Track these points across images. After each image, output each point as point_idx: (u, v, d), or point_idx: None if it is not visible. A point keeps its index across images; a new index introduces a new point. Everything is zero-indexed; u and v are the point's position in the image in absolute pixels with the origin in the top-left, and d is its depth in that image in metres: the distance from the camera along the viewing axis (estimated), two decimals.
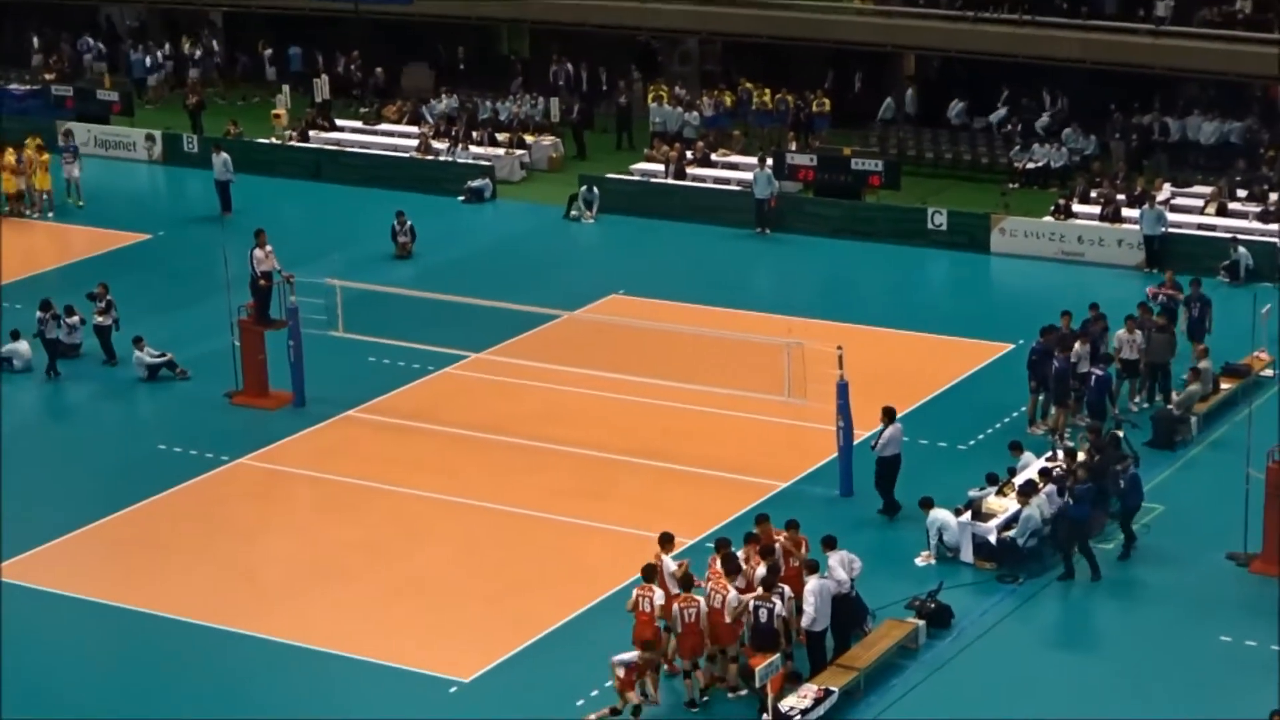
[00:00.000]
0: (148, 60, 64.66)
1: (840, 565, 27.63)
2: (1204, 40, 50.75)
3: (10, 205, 51.76)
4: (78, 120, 58.02)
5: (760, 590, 26.59)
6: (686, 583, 26.94)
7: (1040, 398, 35.46)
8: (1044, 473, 31.18)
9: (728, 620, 26.57)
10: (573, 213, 50.38)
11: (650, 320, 40.47)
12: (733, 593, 26.63)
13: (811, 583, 26.99)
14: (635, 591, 26.96)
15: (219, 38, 66.90)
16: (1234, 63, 50.04)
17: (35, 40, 68.17)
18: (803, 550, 28.02)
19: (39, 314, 40.11)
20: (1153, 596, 29.75)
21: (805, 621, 27.02)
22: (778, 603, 26.57)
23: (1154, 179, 49.43)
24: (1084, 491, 29.95)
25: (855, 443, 32.93)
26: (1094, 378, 34.87)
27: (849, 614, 27.70)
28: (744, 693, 26.72)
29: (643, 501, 33.35)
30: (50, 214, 51.42)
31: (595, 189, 50.58)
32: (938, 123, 55.76)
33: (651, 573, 27.11)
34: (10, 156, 51.58)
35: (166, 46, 65.44)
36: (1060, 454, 32.12)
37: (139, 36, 67.21)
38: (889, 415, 32.41)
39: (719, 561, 27.36)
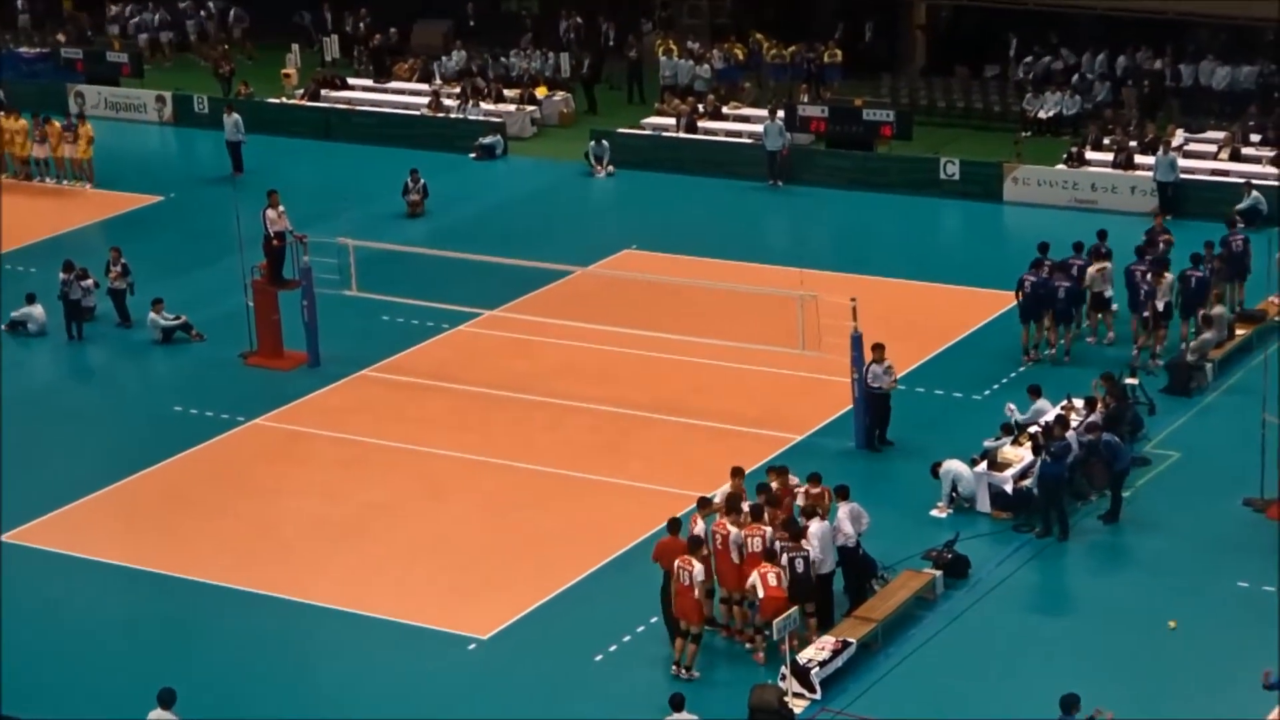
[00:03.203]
0: (152, 20, 64.60)
1: (849, 518, 27.63)
2: None
3: (18, 169, 51.68)
4: (88, 83, 58.02)
5: (791, 540, 26.64)
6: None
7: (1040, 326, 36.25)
8: (1059, 421, 31.02)
9: (735, 561, 26.68)
10: (594, 166, 50.27)
11: (664, 275, 40.42)
12: (735, 531, 26.78)
13: (814, 525, 27.08)
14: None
15: None
16: (1246, 7, 49.78)
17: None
18: (825, 502, 27.95)
19: (62, 275, 40.03)
20: (1170, 543, 29.71)
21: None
22: (811, 550, 26.61)
23: (1167, 125, 49.27)
24: (1061, 449, 29.85)
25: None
26: (1194, 280, 35.89)
27: (858, 568, 27.75)
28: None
29: (659, 456, 33.35)
30: (64, 180, 51.41)
31: (605, 142, 50.47)
32: (949, 72, 55.53)
33: (706, 503, 27.58)
34: (23, 122, 51.44)
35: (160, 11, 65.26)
36: (1078, 402, 32.12)
37: None
38: (875, 351, 32.68)
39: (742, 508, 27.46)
